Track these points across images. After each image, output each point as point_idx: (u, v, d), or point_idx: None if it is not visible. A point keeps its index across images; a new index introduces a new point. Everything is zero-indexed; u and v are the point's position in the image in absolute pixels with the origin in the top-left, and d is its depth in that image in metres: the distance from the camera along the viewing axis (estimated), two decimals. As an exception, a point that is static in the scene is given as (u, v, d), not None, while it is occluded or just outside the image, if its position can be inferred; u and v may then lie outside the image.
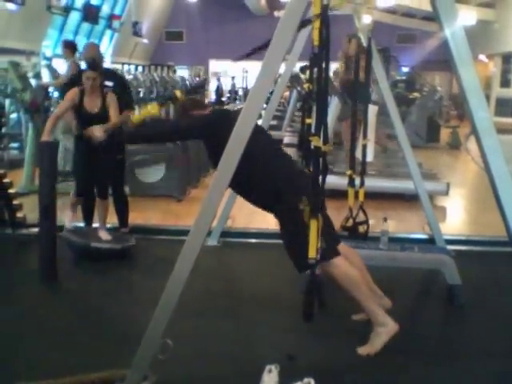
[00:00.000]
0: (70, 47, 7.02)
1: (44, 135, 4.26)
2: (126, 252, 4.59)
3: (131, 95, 5.23)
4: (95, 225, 4.99)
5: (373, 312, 3.04)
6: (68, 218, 4.70)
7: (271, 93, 5.40)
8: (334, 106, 7.20)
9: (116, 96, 4.51)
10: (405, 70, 20.11)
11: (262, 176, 3.10)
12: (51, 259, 4.07)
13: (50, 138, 4.26)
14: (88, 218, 4.87)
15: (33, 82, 8.47)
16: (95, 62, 4.45)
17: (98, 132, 4.20)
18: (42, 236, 4.17)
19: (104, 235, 4.61)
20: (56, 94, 7.89)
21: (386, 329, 3.01)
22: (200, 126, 3.27)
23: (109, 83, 4.59)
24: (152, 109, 3.71)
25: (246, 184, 3.12)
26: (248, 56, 3.10)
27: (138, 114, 3.42)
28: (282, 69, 4.52)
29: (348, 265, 3.03)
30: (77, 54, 7.04)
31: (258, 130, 3.24)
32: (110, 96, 4.42)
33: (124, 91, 4.75)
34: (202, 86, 16.57)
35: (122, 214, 4.89)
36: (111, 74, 4.86)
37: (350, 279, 2.99)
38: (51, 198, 4.13)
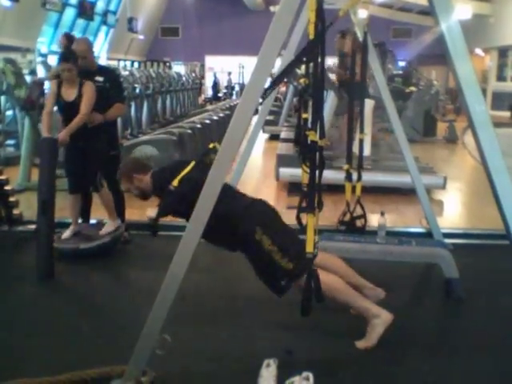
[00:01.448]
0: (67, 38, 7.03)
1: (44, 132, 4.31)
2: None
3: (122, 90, 5.21)
4: (93, 221, 5.03)
5: (363, 308, 3.04)
6: (69, 231, 4.66)
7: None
8: (331, 100, 7.19)
9: (105, 90, 4.52)
10: (401, 64, 20.12)
11: (216, 219, 3.02)
12: (48, 255, 4.06)
13: (51, 134, 4.27)
14: (84, 215, 4.86)
15: (28, 78, 8.45)
16: (68, 53, 4.43)
17: (61, 136, 4.25)
18: (39, 232, 4.16)
19: (107, 228, 4.64)
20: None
21: (380, 320, 3.01)
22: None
23: (99, 78, 4.59)
24: None
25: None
26: None
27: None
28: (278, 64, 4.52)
29: (324, 273, 2.93)
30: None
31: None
32: (87, 85, 4.37)
33: (114, 86, 4.73)
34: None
35: (118, 209, 4.88)
36: (103, 70, 4.84)
37: (330, 287, 2.93)
38: (50, 193, 4.13)
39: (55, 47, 15.91)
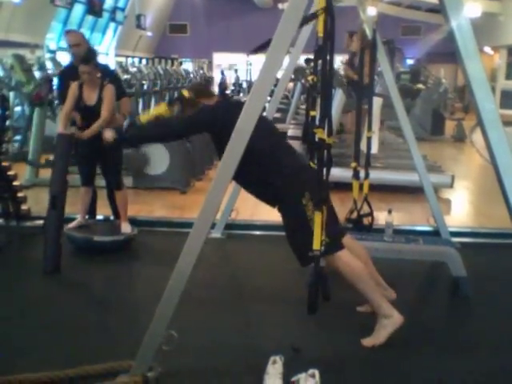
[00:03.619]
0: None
1: (60, 128, 4.34)
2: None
3: (122, 85, 5.19)
4: (99, 217, 5.05)
5: (378, 304, 3.04)
6: (75, 222, 4.68)
7: (275, 85, 5.40)
8: (339, 98, 7.18)
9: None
10: (410, 62, 20.04)
11: (265, 171, 3.07)
12: (56, 250, 4.08)
13: (66, 131, 4.33)
14: (90, 210, 4.88)
15: (37, 74, 8.48)
16: (88, 55, 4.38)
17: (82, 134, 4.31)
18: (48, 226, 4.19)
19: (125, 228, 4.64)
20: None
21: (391, 321, 3.01)
22: (207, 119, 3.19)
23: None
24: (161, 109, 3.62)
25: (250, 178, 3.11)
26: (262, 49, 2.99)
27: (146, 115, 3.35)
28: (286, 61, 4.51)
29: (352, 257, 3.03)
30: None
31: (264, 123, 3.24)
32: (107, 88, 4.37)
33: (114, 82, 4.70)
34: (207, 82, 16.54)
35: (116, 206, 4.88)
36: (99, 66, 4.79)
37: (354, 272, 2.99)
38: (61, 188, 4.16)
39: (64, 43, 15.95)
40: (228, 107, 3.27)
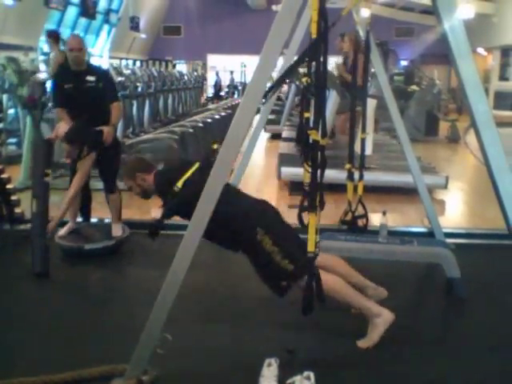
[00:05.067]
0: (53, 37, 7.00)
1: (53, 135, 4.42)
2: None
3: (116, 89, 5.16)
4: (93, 220, 5.03)
5: (365, 306, 3.04)
6: (66, 228, 4.67)
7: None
8: (333, 99, 7.19)
9: (98, 90, 4.48)
10: (403, 63, 20.09)
11: (218, 220, 2.89)
12: (43, 253, 4.06)
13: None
14: (84, 213, 4.87)
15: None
16: (74, 136, 4.29)
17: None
18: (32, 227, 4.18)
19: (116, 231, 4.62)
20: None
21: (381, 319, 3.01)
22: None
23: (91, 78, 4.51)
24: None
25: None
26: None
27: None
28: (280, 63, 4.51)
29: (322, 273, 2.87)
30: (61, 43, 7.03)
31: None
32: (88, 158, 4.39)
33: (108, 85, 4.70)
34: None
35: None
36: (94, 69, 4.76)
37: (329, 288, 2.87)
38: (43, 189, 4.15)
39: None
40: (166, 180, 3.29)
